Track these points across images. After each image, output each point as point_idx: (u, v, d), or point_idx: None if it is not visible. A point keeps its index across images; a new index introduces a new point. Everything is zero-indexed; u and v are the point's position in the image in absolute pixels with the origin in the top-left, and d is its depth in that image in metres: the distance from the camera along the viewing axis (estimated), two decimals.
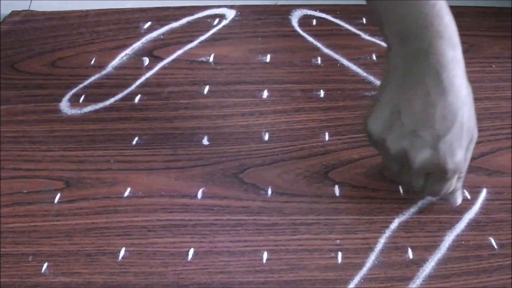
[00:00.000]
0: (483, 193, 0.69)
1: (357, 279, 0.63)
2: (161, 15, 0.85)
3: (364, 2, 0.80)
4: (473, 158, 0.69)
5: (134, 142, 0.73)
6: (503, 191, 0.69)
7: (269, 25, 0.84)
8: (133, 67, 0.80)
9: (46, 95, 0.77)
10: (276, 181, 0.70)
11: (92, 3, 0.87)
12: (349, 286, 0.62)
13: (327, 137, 0.73)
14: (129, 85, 0.78)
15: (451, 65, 0.60)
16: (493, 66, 0.80)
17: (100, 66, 0.80)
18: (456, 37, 0.60)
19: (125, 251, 0.65)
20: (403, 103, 0.59)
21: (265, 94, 0.77)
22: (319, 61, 0.80)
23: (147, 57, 0.81)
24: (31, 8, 0.87)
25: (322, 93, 0.77)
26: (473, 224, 0.67)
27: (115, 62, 0.80)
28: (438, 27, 0.59)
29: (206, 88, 0.77)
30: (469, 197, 0.69)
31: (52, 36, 0.83)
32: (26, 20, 0.85)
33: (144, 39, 0.83)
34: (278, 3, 0.86)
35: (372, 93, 0.77)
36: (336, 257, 0.64)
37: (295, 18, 0.85)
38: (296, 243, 0.65)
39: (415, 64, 0.59)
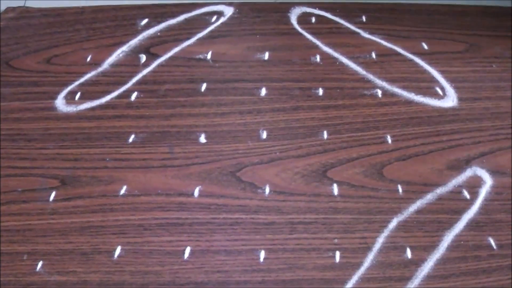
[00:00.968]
0: (483, 192, 0.69)
1: (355, 278, 0.63)
2: (158, 12, 0.84)
3: (364, 0, 0.80)
4: (472, 158, 0.69)
5: (130, 140, 0.72)
6: (503, 192, 0.69)
7: (268, 23, 0.83)
8: (129, 64, 0.79)
9: (41, 93, 0.76)
10: (274, 179, 0.69)
11: None
12: (347, 286, 0.63)
13: (325, 136, 0.73)
14: (126, 82, 0.77)
15: None
16: (493, 66, 0.79)
17: (96, 63, 0.79)
18: None
19: (121, 249, 0.65)
20: None
21: (263, 92, 0.77)
22: (318, 59, 0.80)
23: (144, 54, 0.80)
24: (26, 5, 0.86)
25: (321, 92, 0.77)
26: (472, 224, 0.67)
27: (112, 59, 0.80)
28: None
29: (204, 86, 0.77)
30: (468, 197, 0.68)
31: (48, 33, 0.82)
32: (21, 16, 0.84)
33: (141, 36, 0.82)
34: (277, 1, 0.86)
35: (372, 92, 0.76)
36: (334, 257, 0.64)
37: (294, 16, 0.85)
38: (293, 242, 0.65)
39: None
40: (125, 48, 0.81)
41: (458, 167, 0.70)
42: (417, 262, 0.64)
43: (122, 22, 0.83)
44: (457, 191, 0.69)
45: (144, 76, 0.78)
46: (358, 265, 0.64)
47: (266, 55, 0.80)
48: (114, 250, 0.64)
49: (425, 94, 0.76)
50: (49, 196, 0.68)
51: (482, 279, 0.63)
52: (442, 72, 0.78)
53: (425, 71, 0.79)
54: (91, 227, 0.66)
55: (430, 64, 0.79)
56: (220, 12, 0.85)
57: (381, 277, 0.63)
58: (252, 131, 0.73)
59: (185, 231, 0.66)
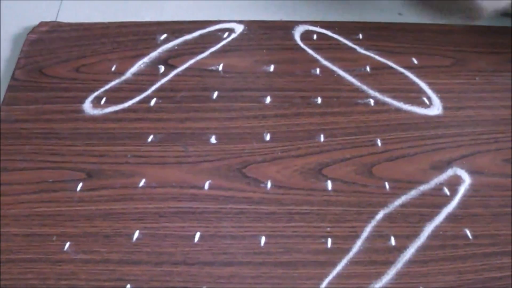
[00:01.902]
0: (462, 190, 0.75)
1: (344, 262, 0.69)
2: (176, 28, 0.90)
3: (361, 19, 0.86)
4: (454, 159, 0.76)
5: (149, 140, 0.79)
6: (480, 189, 0.75)
7: (274, 39, 0.89)
8: (149, 74, 0.85)
9: (71, 97, 0.83)
10: (275, 176, 0.76)
11: (114, 16, 0.92)
12: (337, 268, 0.69)
13: (322, 139, 0.79)
14: (146, 89, 0.84)
15: None
16: (477, 78, 0.85)
17: (120, 73, 0.85)
18: None
19: (139, 233, 0.71)
20: None
21: (268, 100, 0.83)
22: (318, 72, 0.86)
23: (162, 65, 0.86)
24: (58, 20, 0.93)
25: (319, 100, 0.83)
26: (451, 217, 0.72)
27: (134, 69, 0.86)
28: None
29: (215, 94, 0.83)
30: (448, 193, 0.74)
31: (77, 45, 0.89)
32: (53, 30, 0.90)
33: (160, 49, 0.88)
34: (283, 19, 0.92)
35: (365, 101, 0.83)
36: (326, 243, 0.71)
37: (297, 33, 0.91)
38: (291, 230, 0.71)
39: None
40: (145, 59, 0.87)
41: (440, 167, 0.77)
42: (400, 249, 0.70)
43: (143, 37, 0.90)
44: (438, 188, 0.75)
45: (162, 84, 0.84)
46: (347, 250, 0.70)
47: (272, 68, 0.87)
48: (133, 233, 0.71)
49: (413, 103, 0.83)
50: (77, 186, 0.75)
51: (458, 265, 0.69)
52: (429, 84, 0.85)
53: (414, 83, 0.85)
54: (113, 214, 0.73)
55: (419, 76, 0.86)
56: (231, 29, 0.91)
57: (368, 260, 0.69)
58: (257, 133, 0.80)
59: (196, 219, 0.72)
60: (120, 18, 0.92)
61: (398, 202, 0.74)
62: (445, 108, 0.83)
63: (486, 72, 0.86)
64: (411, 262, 0.69)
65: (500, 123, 0.81)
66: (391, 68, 0.87)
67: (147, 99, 0.83)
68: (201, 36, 0.91)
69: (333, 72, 0.86)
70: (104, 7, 0.95)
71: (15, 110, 0.82)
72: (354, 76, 0.86)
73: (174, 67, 0.86)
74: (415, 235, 0.71)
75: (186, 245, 0.71)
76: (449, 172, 0.77)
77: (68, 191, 0.75)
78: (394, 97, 0.84)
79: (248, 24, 0.92)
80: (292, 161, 0.77)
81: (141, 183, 0.75)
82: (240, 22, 0.92)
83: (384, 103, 0.83)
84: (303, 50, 0.89)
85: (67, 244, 0.70)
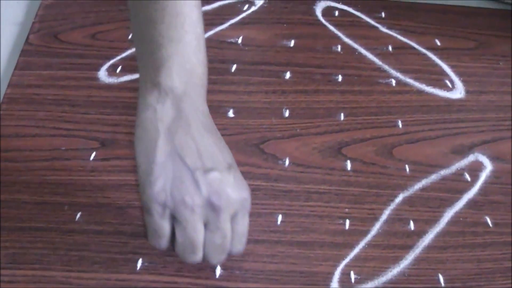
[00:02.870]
0: (483, 176, 0.74)
1: (362, 244, 0.68)
2: None
3: None
4: (475, 144, 0.75)
5: None
6: (501, 176, 0.74)
7: (295, 13, 0.89)
8: None
9: (86, 64, 0.81)
10: (293, 153, 0.75)
11: None
12: (355, 250, 0.68)
13: (342, 117, 0.78)
14: None
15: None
16: (500, 63, 0.84)
17: None
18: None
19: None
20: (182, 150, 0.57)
21: (288, 75, 0.82)
22: (339, 49, 0.85)
23: None
24: None
25: (340, 78, 0.82)
26: (471, 204, 0.71)
27: None
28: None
29: (234, 67, 0.82)
30: (469, 179, 0.73)
31: (93, 11, 0.87)
32: None
33: None
34: None
35: (387, 81, 0.82)
36: (344, 224, 0.69)
37: (319, 9, 0.90)
38: (308, 209, 0.70)
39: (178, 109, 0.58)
40: None
41: (461, 152, 0.76)
42: (419, 233, 0.69)
43: None
44: (459, 173, 0.74)
45: None
46: (365, 233, 0.69)
47: (292, 42, 0.85)
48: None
49: (435, 85, 0.82)
50: (90, 155, 0.73)
51: (478, 252, 0.68)
52: (452, 67, 0.84)
53: (436, 65, 0.84)
54: (126, 185, 0.71)
55: (441, 58, 0.85)
56: (251, 1, 0.90)
57: (386, 244, 0.68)
58: (276, 109, 0.79)
59: None
60: None
61: (418, 185, 0.73)
62: (467, 92, 0.82)
63: (509, 57, 0.86)
64: (429, 247, 0.68)
65: None
66: (414, 48, 0.86)
67: None
68: (220, 7, 0.90)
69: (354, 50, 0.86)
70: None
71: (28, 75, 0.81)
72: (376, 55, 0.85)
73: None
74: (435, 220, 0.70)
75: None
76: (471, 158, 0.76)
77: (80, 160, 0.73)
78: (416, 78, 0.83)
79: None
80: (311, 139, 0.76)
81: None
82: None
83: (406, 84, 0.82)
84: (324, 26, 0.88)
85: (79, 214, 0.69)
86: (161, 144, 0.56)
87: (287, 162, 0.74)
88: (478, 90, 0.82)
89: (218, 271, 0.65)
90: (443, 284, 0.66)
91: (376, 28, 0.88)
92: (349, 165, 0.74)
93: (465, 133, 0.78)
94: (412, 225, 0.70)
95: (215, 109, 0.77)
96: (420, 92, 0.81)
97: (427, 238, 0.69)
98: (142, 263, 0.66)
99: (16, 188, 0.71)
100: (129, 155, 0.73)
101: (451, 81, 0.82)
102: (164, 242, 0.58)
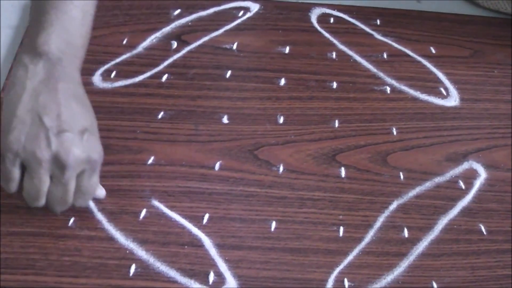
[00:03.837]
0: (477, 184, 0.74)
1: (356, 251, 0.68)
2: (190, 4, 0.89)
3: (379, 4, 0.85)
4: (470, 152, 0.75)
5: (159, 116, 0.77)
6: (495, 184, 0.74)
7: (290, 20, 0.88)
8: (162, 49, 0.84)
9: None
10: (287, 159, 0.74)
11: None
12: (348, 257, 0.67)
13: (337, 124, 0.78)
14: (158, 64, 0.82)
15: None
16: (495, 71, 0.84)
17: (131, 46, 0.84)
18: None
19: (146, 212, 0.69)
20: (43, 109, 0.62)
21: (283, 81, 0.81)
22: (334, 56, 0.85)
23: (175, 40, 0.85)
24: None
25: (335, 85, 0.82)
26: (466, 211, 0.71)
27: (146, 43, 0.84)
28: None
29: (229, 73, 0.82)
30: (463, 187, 0.73)
31: None
32: None
33: (173, 25, 0.87)
34: (300, 0, 0.90)
35: (382, 88, 0.82)
36: (338, 231, 0.69)
37: (314, 15, 0.90)
38: (302, 216, 0.70)
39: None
40: (158, 34, 0.86)
41: (456, 159, 0.76)
42: (413, 241, 0.68)
43: (156, 11, 0.88)
44: (453, 181, 0.74)
45: (175, 60, 0.83)
46: (359, 240, 0.68)
47: (287, 49, 0.85)
48: (140, 211, 0.69)
49: (430, 93, 0.82)
50: None
51: (472, 260, 0.68)
52: (447, 74, 0.84)
53: (431, 72, 0.84)
54: (120, 190, 0.71)
55: (436, 66, 0.85)
56: (247, 7, 0.90)
57: (380, 251, 0.68)
58: (270, 115, 0.78)
59: (205, 199, 0.71)
60: None
61: (412, 193, 0.73)
62: (462, 99, 0.82)
63: (504, 65, 0.86)
64: (423, 255, 0.68)
65: None
66: (408, 56, 0.86)
67: (159, 75, 0.82)
68: (216, 13, 0.90)
69: (349, 57, 0.86)
70: None
71: None
72: (371, 62, 0.85)
73: (187, 43, 0.85)
74: (429, 227, 0.70)
75: (194, 226, 0.69)
76: (465, 165, 0.76)
77: None
78: (411, 86, 0.83)
79: (264, 3, 0.91)
80: (305, 145, 0.76)
81: (150, 161, 0.74)
82: (256, 1, 0.91)
83: (400, 91, 0.82)
84: (320, 33, 0.88)
85: (72, 220, 0.68)
86: (25, 100, 0.62)
87: (281, 168, 0.74)
88: (472, 98, 0.82)
89: (211, 277, 0.65)
90: None
91: (371, 35, 0.88)
92: (343, 172, 0.74)
93: (459, 141, 0.78)
94: (406, 233, 0.69)
95: (210, 115, 0.77)
96: (415, 99, 0.81)
97: (421, 246, 0.69)
98: (135, 269, 0.65)
99: (8, 193, 0.70)
100: (122, 160, 0.73)
101: (446, 89, 0.83)
102: (13, 186, 0.64)
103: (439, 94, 0.82)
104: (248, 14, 0.89)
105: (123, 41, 0.85)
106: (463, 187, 0.73)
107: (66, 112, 0.62)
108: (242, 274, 0.66)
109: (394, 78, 0.83)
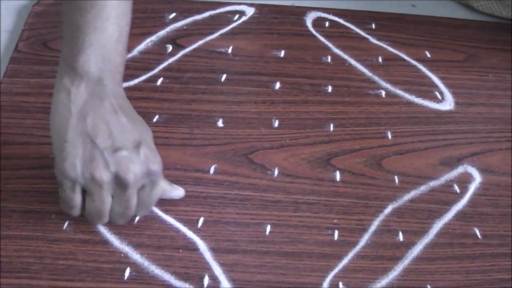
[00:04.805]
0: (472, 188, 0.74)
1: (350, 255, 0.68)
2: (185, 8, 0.89)
3: (374, 9, 0.86)
4: (464, 156, 0.75)
5: (154, 120, 0.77)
6: (490, 188, 0.74)
7: (285, 24, 0.89)
8: (157, 53, 0.84)
9: None
10: (282, 163, 0.75)
11: None
12: (343, 261, 0.67)
13: (331, 128, 0.78)
14: (153, 68, 0.83)
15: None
16: (490, 75, 0.85)
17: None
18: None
19: (140, 216, 0.69)
20: (93, 130, 0.61)
21: (277, 85, 0.82)
22: (329, 60, 0.85)
23: (170, 44, 0.85)
24: None
25: (330, 88, 0.82)
26: (460, 215, 0.72)
27: (141, 47, 0.85)
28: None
29: (224, 77, 0.82)
30: (458, 191, 0.74)
31: None
32: (59, 3, 0.87)
33: (168, 28, 0.87)
34: (295, 4, 0.91)
35: (376, 92, 0.82)
36: (333, 235, 0.69)
37: (309, 19, 0.90)
38: (297, 220, 0.70)
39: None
40: (153, 38, 0.86)
41: (450, 163, 0.76)
42: (407, 245, 0.69)
43: (151, 15, 0.89)
44: (448, 185, 0.74)
45: (170, 64, 0.83)
46: (354, 244, 0.69)
47: (282, 53, 0.86)
48: (135, 216, 0.69)
49: (424, 97, 0.82)
50: None
51: (466, 264, 0.68)
52: (442, 78, 0.84)
53: (426, 76, 0.84)
54: None
55: (431, 70, 0.85)
56: (242, 11, 0.90)
57: (374, 255, 0.68)
58: (265, 119, 0.79)
59: (200, 203, 0.71)
60: None
61: (407, 197, 0.73)
62: (457, 103, 0.82)
63: (499, 69, 0.86)
64: (418, 259, 0.68)
65: None
66: (403, 60, 0.86)
67: (154, 78, 0.82)
68: (211, 17, 0.90)
69: (344, 60, 0.86)
70: None
71: (16, 83, 0.81)
72: (366, 66, 0.85)
73: (182, 47, 0.86)
74: (424, 231, 0.70)
75: (188, 230, 0.69)
76: (460, 169, 0.76)
77: None
78: (405, 90, 0.83)
79: (259, 7, 0.91)
80: (300, 149, 0.76)
81: None
82: (251, 5, 0.91)
83: (395, 95, 0.82)
84: (315, 37, 0.89)
85: (66, 223, 0.69)
86: (72, 124, 0.61)
87: (276, 172, 0.74)
88: (467, 102, 0.82)
89: (206, 281, 0.65)
90: None
91: (366, 39, 0.89)
92: (338, 175, 0.74)
93: (454, 145, 0.78)
94: (401, 236, 0.70)
95: (204, 119, 0.78)
96: (410, 103, 0.82)
97: (416, 250, 0.69)
98: (130, 273, 0.66)
99: (3, 196, 0.70)
100: None
101: (441, 93, 0.83)
102: (75, 212, 0.63)
103: (434, 98, 0.82)
104: (243, 18, 0.90)
105: None
106: (458, 191, 0.74)
107: (116, 129, 0.61)
108: (237, 277, 0.66)
109: (389, 82, 0.83)
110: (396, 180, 0.74)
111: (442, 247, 0.69)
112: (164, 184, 0.68)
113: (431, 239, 0.70)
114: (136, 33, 0.86)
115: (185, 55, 0.85)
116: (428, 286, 0.66)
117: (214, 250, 0.68)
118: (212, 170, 0.74)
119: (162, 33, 0.87)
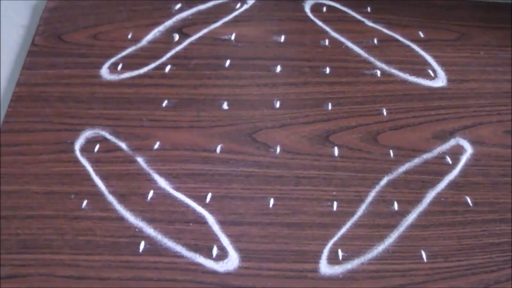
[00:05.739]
0: (463, 159, 0.77)
1: (349, 224, 0.72)
2: None
3: None
4: (456, 130, 0.78)
5: (163, 105, 0.81)
6: (481, 159, 0.77)
7: (285, 10, 0.92)
8: (164, 42, 0.88)
9: (88, 63, 0.85)
10: (284, 141, 0.78)
11: None
12: (342, 230, 0.72)
13: (330, 107, 0.82)
14: (161, 56, 0.86)
15: None
16: (481, 53, 0.87)
17: (136, 40, 0.88)
18: None
19: (153, 193, 0.74)
20: None
21: (278, 69, 0.85)
22: (327, 43, 0.88)
23: (177, 33, 0.89)
24: None
25: (328, 70, 0.85)
26: (452, 185, 0.75)
27: (149, 37, 0.88)
28: None
29: (228, 62, 0.86)
30: (450, 162, 0.77)
31: (94, 13, 0.91)
32: None
33: (175, 18, 0.90)
34: None
35: (372, 72, 0.85)
36: (332, 206, 0.73)
37: (308, 5, 0.93)
38: (298, 193, 0.74)
39: None
40: (161, 28, 0.89)
41: (443, 137, 0.79)
42: (402, 214, 0.73)
43: (159, 6, 0.92)
44: (441, 157, 0.78)
45: (177, 52, 0.87)
46: (352, 214, 0.73)
47: (282, 38, 0.89)
48: (148, 193, 0.74)
49: (418, 75, 0.85)
50: (94, 147, 0.78)
51: (458, 230, 0.72)
52: (434, 57, 0.87)
53: (419, 56, 0.87)
54: (129, 174, 0.75)
55: (424, 49, 0.88)
56: (243, 0, 0.93)
57: (371, 224, 0.72)
58: (267, 101, 0.82)
59: (207, 180, 0.75)
60: None
61: (401, 169, 0.76)
62: (449, 80, 0.85)
63: (490, 47, 0.89)
64: (412, 226, 0.72)
65: (502, 96, 0.83)
66: (398, 40, 0.89)
67: (162, 66, 0.85)
68: (214, 6, 0.93)
69: (341, 43, 0.89)
70: None
71: (35, 75, 0.84)
72: (362, 47, 0.88)
73: (188, 35, 0.89)
74: (417, 201, 0.74)
75: (198, 205, 0.73)
76: (452, 142, 0.79)
77: (85, 151, 0.77)
78: (400, 69, 0.86)
79: None
80: (300, 128, 0.80)
81: (156, 146, 0.78)
82: None
83: (390, 74, 0.85)
84: (313, 21, 0.91)
85: (85, 202, 0.73)
86: None
87: (278, 149, 0.78)
88: (459, 78, 0.85)
89: (215, 251, 0.70)
90: (425, 260, 0.70)
91: (362, 22, 0.91)
92: (336, 151, 0.78)
93: (446, 119, 0.81)
94: (396, 206, 0.73)
95: (210, 102, 0.81)
96: (404, 81, 0.84)
97: (410, 218, 0.73)
98: (144, 246, 0.70)
99: (25, 179, 0.75)
100: (130, 147, 0.78)
101: (434, 71, 0.86)
102: None
103: (427, 76, 0.85)
104: (245, 6, 0.93)
105: (128, 35, 0.88)
106: (450, 162, 0.77)
107: None
108: (243, 247, 0.70)
109: (384, 62, 0.86)
110: (391, 154, 0.78)
111: (435, 215, 0.73)
112: None
113: (424, 207, 0.73)
114: (145, 24, 0.90)
115: (191, 43, 0.88)
116: (422, 251, 0.70)
117: (222, 223, 0.72)
118: (218, 149, 0.78)
119: (169, 23, 0.90)
